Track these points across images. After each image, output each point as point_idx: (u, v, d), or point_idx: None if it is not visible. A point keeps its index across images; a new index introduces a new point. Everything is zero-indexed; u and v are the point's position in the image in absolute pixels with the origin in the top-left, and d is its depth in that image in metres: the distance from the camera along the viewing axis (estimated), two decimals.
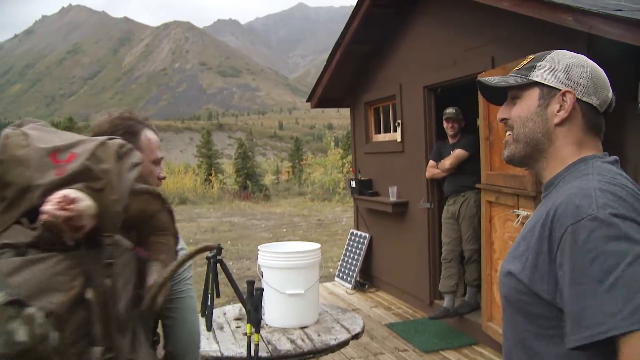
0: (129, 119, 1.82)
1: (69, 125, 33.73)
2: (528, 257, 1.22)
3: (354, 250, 7.63)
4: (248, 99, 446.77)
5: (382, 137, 7.19)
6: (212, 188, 26.30)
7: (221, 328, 3.35)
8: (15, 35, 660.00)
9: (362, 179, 7.40)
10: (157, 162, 1.90)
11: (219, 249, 3.52)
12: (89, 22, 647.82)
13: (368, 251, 7.41)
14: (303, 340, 3.04)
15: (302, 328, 3.26)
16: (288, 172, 34.14)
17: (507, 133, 1.40)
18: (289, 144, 48.71)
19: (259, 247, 3.41)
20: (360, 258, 7.38)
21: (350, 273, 7.45)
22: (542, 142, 1.33)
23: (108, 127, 1.76)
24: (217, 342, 3.08)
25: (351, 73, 7.43)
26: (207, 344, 3.04)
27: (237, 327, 3.34)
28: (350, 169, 8.41)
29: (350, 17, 6.57)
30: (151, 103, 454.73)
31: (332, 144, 25.53)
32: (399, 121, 6.41)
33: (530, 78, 1.34)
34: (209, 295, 3.38)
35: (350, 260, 7.61)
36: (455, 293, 5.47)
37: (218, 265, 3.54)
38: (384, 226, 7.05)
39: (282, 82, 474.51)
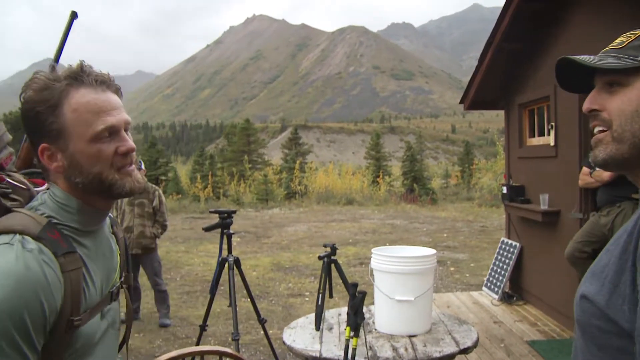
0: (42, 89, 1.25)
1: (246, 126, 35.95)
2: (608, 274, 0.99)
3: (503, 259, 7.24)
4: (421, 101, 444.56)
5: (536, 140, 6.74)
6: (379, 190, 26.55)
7: (330, 329, 3.33)
8: (207, 46, 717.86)
9: (514, 185, 7.00)
10: (105, 134, 1.28)
11: (333, 249, 3.52)
12: (269, 30, 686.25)
13: (518, 261, 6.99)
14: (406, 349, 2.93)
15: (411, 337, 3.14)
16: (457, 176, 33.43)
17: (598, 129, 1.11)
18: (461, 147, 47.71)
19: (372, 250, 3.34)
20: (509, 268, 6.98)
21: (498, 283, 7.08)
22: None
23: (25, 110, 1.28)
24: (321, 343, 3.07)
25: (503, 73, 7.06)
26: (310, 344, 3.04)
27: (345, 329, 3.29)
28: (504, 175, 8.00)
29: (500, 15, 6.24)
30: (326, 106, 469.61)
31: (502, 148, 24.60)
32: (553, 124, 5.97)
33: None
34: (320, 295, 3.39)
35: (499, 270, 7.24)
36: None
37: (332, 265, 3.55)
38: (535, 236, 6.61)
39: (456, 85, 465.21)
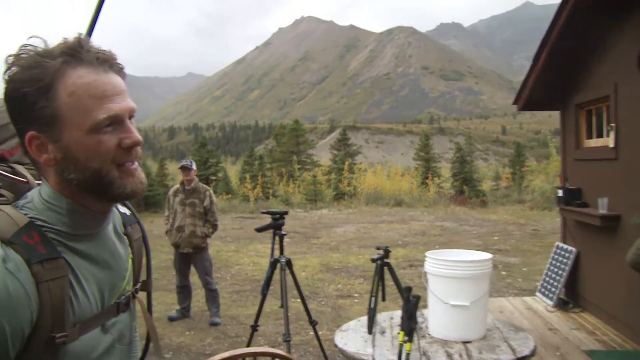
0: (32, 66, 1.06)
1: (295, 127, 36.14)
2: None
3: (558, 264, 7.04)
4: (470, 102, 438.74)
5: (594, 142, 6.52)
6: (428, 191, 26.30)
7: (383, 332, 3.28)
8: (256, 47, 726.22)
9: (570, 187, 6.80)
10: (107, 123, 1.10)
11: (386, 252, 3.47)
12: (318, 31, 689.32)
13: (574, 267, 6.78)
14: (461, 355, 2.85)
15: (465, 343, 3.06)
16: (508, 178, 32.79)
17: None
18: (512, 149, 46.73)
19: (426, 254, 3.28)
20: (565, 274, 6.78)
21: (553, 289, 6.89)
22: None
23: (9, 90, 1.09)
24: (374, 346, 3.03)
25: (559, 72, 6.85)
26: (362, 347, 3.00)
27: (398, 333, 3.24)
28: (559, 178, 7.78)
29: (556, 12, 6.06)
30: (374, 107, 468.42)
31: (555, 150, 24.02)
32: (613, 124, 5.77)
33: None
34: (373, 298, 3.35)
35: (554, 276, 7.04)
36: None
37: (385, 268, 3.50)
38: (593, 241, 6.39)
39: (506, 85, 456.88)
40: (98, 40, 1.18)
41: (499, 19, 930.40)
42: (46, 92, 1.06)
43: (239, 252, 12.32)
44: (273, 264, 4.14)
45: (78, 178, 1.11)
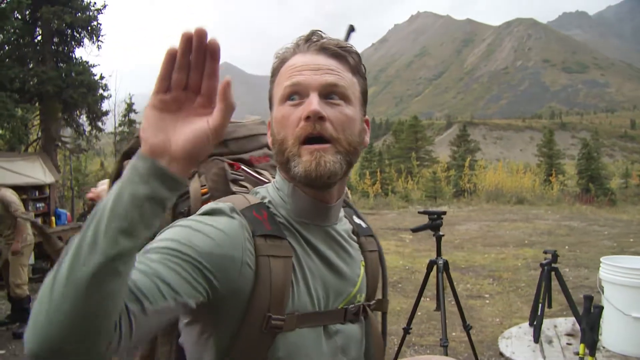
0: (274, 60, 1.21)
1: (414, 123, 35.88)
2: None
3: None
4: (595, 95, 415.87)
5: None
6: (552, 189, 25.14)
7: (550, 342, 3.07)
8: (372, 44, 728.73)
9: None
10: (292, 93, 1.11)
11: (554, 256, 3.25)
12: (434, 26, 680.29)
13: None
14: None
15: None
16: (639, 175, 30.66)
17: None
18: None
19: (601, 259, 3.02)
20: None
21: None
22: None
23: None
24: (544, 357, 2.83)
25: None
26: (532, 356, 2.82)
27: (567, 343, 3.02)
28: None
29: None
30: (492, 102, 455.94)
31: None
32: None
33: None
34: (540, 305, 3.14)
35: None
36: None
37: (552, 273, 3.28)
38: None
39: (637, 75, 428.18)
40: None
41: (630, 3, 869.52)
42: (273, 77, 1.17)
43: None
44: (430, 265, 4.02)
45: (275, 153, 1.15)
